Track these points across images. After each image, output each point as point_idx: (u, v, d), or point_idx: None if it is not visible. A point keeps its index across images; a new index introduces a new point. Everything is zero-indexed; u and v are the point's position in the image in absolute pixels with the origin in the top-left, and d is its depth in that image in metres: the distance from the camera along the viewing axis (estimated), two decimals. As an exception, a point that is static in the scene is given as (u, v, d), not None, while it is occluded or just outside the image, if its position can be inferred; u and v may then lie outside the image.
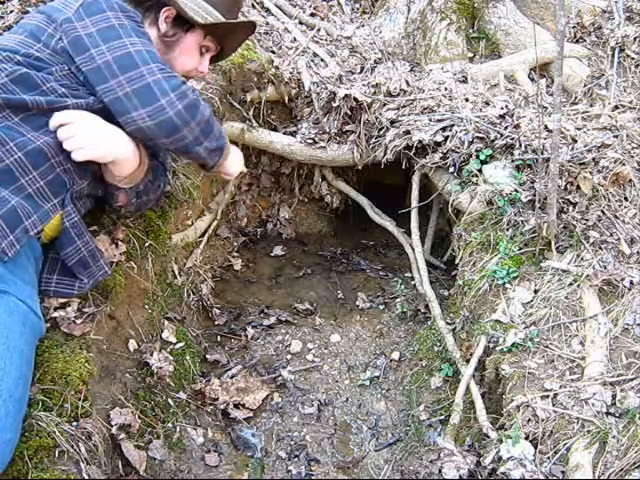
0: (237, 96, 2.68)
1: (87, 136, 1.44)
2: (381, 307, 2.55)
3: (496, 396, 1.79)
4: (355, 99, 2.66)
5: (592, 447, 1.43)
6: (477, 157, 2.28)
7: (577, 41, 3.15)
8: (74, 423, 1.40)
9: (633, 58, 2.91)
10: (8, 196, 1.33)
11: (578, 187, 2.03)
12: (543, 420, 1.53)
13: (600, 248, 1.92)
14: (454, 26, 3.20)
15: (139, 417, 1.66)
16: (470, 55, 3.20)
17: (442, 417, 1.91)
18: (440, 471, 1.62)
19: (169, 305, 2.13)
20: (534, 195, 2.02)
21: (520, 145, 2.20)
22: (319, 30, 3.24)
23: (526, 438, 1.52)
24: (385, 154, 2.60)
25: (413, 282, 2.54)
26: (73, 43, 1.46)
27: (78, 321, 1.58)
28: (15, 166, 1.36)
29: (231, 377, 2.08)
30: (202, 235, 2.58)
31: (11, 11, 2.35)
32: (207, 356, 2.18)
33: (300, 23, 3.28)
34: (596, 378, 1.58)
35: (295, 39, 3.10)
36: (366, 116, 2.67)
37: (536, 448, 1.49)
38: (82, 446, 1.37)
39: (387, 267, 2.91)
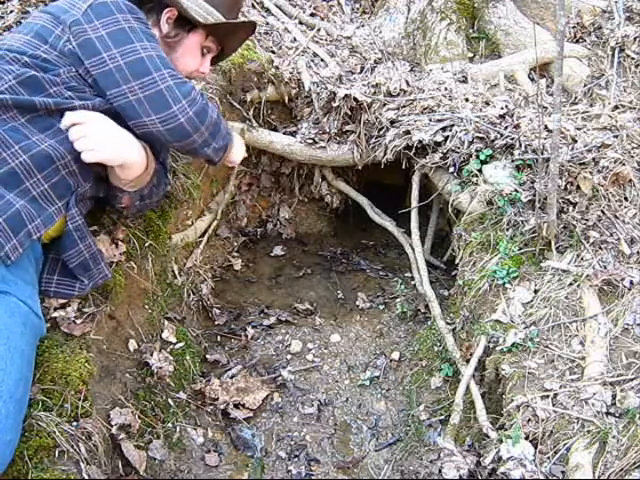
0: (237, 96, 2.68)
1: (98, 138, 1.44)
2: (381, 307, 2.55)
3: (496, 396, 1.79)
4: (355, 99, 2.66)
5: (592, 447, 1.43)
6: (477, 157, 2.28)
7: (577, 41, 3.15)
8: (74, 423, 1.40)
9: (633, 58, 2.91)
10: (13, 199, 1.33)
11: (578, 187, 2.03)
12: (543, 420, 1.53)
13: (600, 248, 1.92)
14: (454, 26, 3.20)
15: (139, 417, 1.66)
16: (470, 55, 3.20)
17: (442, 417, 1.91)
18: (440, 471, 1.62)
19: (169, 305, 2.13)
20: (534, 195, 2.02)
21: (520, 145, 2.20)
22: (319, 30, 3.24)
23: (526, 438, 1.52)
24: (385, 154, 2.60)
25: (413, 282, 2.54)
26: (83, 46, 1.46)
27: (78, 321, 1.58)
28: (20, 169, 1.36)
29: (231, 377, 2.08)
30: (202, 235, 2.58)
31: (11, 11, 2.35)
32: (207, 356, 2.18)
33: (300, 23, 3.28)
34: (596, 378, 1.58)
35: (295, 39, 3.10)
36: (366, 116, 2.67)
37: (536, 448, 1.49)
38: (82, 446, 1.37)
39: (387, 267, 2.91)
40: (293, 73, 2.81)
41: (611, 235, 1.94)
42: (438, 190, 2.49)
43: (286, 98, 2.82)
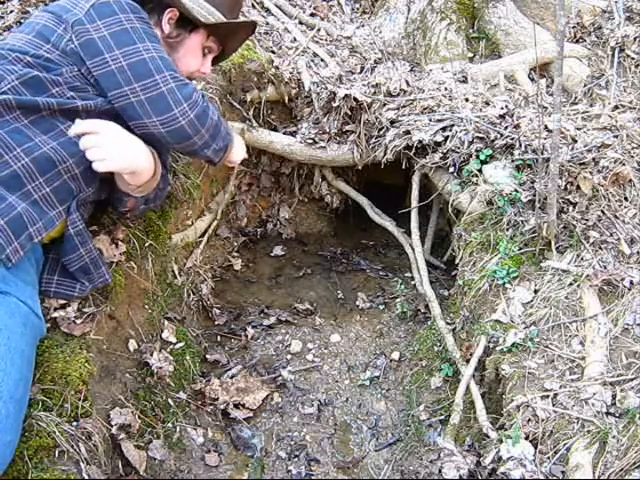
0: (237, 96, 2.68)
1: (112, 148, 1.44)
2: (381, 307, 2.55)
3: (496, 396, 1.79)
4: (355, 99, 2.66)
5: (592, 447, 1.43)
6: (477, 157, 2.28)
7: (577, 41, 3.15)
8: (74, 423, 1.40)
9: (633, 58, 2.91)
10: (15, 202, 1.33)
11: (578, 187, 2.03)
12: (543, 420, 1.53)
13: (600, 248, 1.92)
14: (454, 26, 3.20)
15: (139, 417, 1.66)
16: (470, 55, 3.20)
17: (442, 417, 1.91)
18: (440, 471, 1.62)
19: (169, 305, 2.13)
20: (534, 195, 2.02)
21: (520, 145, 2.20)
22: (319, 30, 3.24)
23: (526, 438, 1.52)
24: (385, 154, 2.60)
25: (413, 282, 2.54)
26: (85, 46, 1.45)
27: (78, 321, 1.58)
28: (22, 172, 1.36)
29: (231, 377, 2.08)
30: (202, 235, 2.58)
31: (11, 11, 2.35)
32: (207, 356, 2.18)
33: (300, 23, 3.28)
34: (596, 378, 1.58)
35: (295, 39, 3.10)
36: (366, 116, 2.67)
37: (536, 448, 1.49)
38: (82, 446, 1.37)
39: (387, 267, 2.91)
40: (293, 73, 2.81)
41: (611, 235, 1.94)
42: (438, 190, 2.49)
43: (286, 98, 2.82)
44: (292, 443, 1.91)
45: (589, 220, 1.97)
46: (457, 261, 2.29)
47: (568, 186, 2.04)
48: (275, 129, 2.85)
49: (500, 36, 3.19)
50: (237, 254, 2.85)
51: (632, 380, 1.57)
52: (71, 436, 1.36)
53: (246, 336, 2.31)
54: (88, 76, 1.48)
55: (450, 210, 2.39)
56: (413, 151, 2.49)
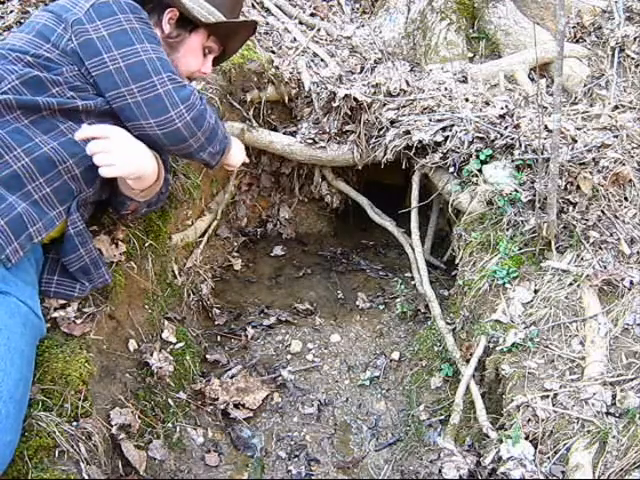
0: (237, 96, 2.68)
1: (120, 153, 1.43)
2: (381, 307, 2.55)
3: (496, 396, 1.79)
4: (355, 99, 2.66)
5: (592, 447, 1.43)
6: (477, 157, 2.28)
7: (577, 41, 3.15)
8: (74, 423, 1.40)
9: (633, 58, 2.91)
10: (15, 202, 1.33)
11: (578, 187, 2.03)
12: (543, 420, 1.53)
13: (600, 248, 1.92)
14: (454, 26, 3.20)
15: (139, 417, 1.66)
16: (470, 55, 3.20)
17: (442, 417, 1.91)
18: (440, 471, 1.62)
19: (169, 305, 2.13)
20: (534, 195, 2.02)
21: (520, 145, 2.20)
22: (319, 30, 3.24)
23: (526, 438, 1.52)
24: (385, 154, 2.60)
25: (413, 282, 2.54)
26: (84, 46, 1.45)
27: (78, 321, 1.58)
28: (22, 172, 1.36)
29: (231, 377, 2.08)
30: (202, 235, 2.58)
31: (11, 11, 2.35)
32: (207, 356, 2.18)
33: (300, 23, 3.28)
34: (596, 378, 1.58)
35: (295, 39, 3.10)
36: (366, 116, 2.67)
37: (536, 448, 1.49)
38: (82, 446, 1.37)
39: (387, 267, 2.91)
40: (293, 73, 2.81)
41: (611, 235, 1.94)
42: (438, 190, 2.49)
43: (286, 98, 2.82)
44: (292, 443, 1.91)
45: (589, 220, 1.97)
46: (457, 261, 2.29)
47: (568, 186, 2.04)
48: (275, 129, 2.85)
49: (500, 36, 3.19)
50: (237, 254, 2.85)
51: (632, 380, 1.57)
52: (71, 436, 1.36)
53: (246, 336, 2.31)
54: (88, 76, 1.48)
55: (450, 210, 2.39)
56: (413, 151, 2.49)
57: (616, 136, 2.17)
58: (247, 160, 1.94)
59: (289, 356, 2.24)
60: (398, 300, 2.51)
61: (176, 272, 2.24)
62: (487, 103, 2.55)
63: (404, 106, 2.62)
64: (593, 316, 1.76)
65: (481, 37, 3.26)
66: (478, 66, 3.00)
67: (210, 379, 2.03)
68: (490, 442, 1.62)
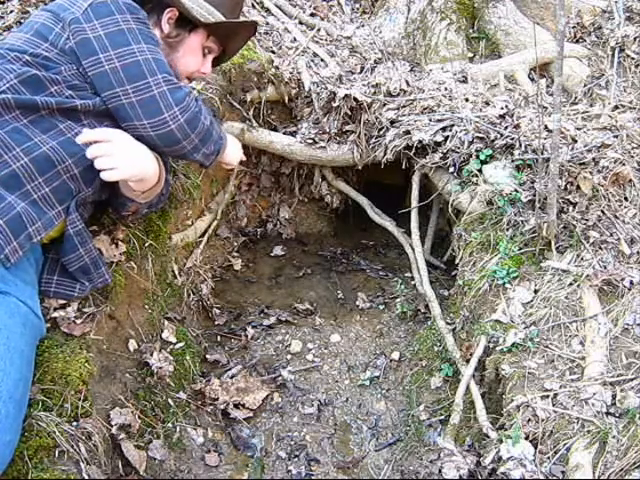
0: (237, 96, 2.68)
1: (123, 156, 1.43)
2: (381, 307, 2.55)
3: (496, 396, 1.79)
4: (355, 99, 2.66)
5: (592, 447, 1.43)
6: (477, 157, 2.28)
7: (577, 41, 3.15)
8: (74, 423, 1.40)
9: (633, 58, 2.91)
10: (14, 201, 1.33)
11: (578, 187, 2.03)
12: (543, 420, 1.53)
13: (600, 248, 1.92)
14: (454, 26, 3.20)
15: (139, 417, 1.66)
16: (470, 55, 3.19)
17: (442, 417, 1.91)
18: (440, 471, 1.62)
19: (169, 305, 2.13)
20: (534, 195, 2.02)
21: (520, 145, 2.20)
22: (319, 30, 3.24)
23: (526, 438, 1.52)
24: (385, 154, 2.60)
25: (413, 282, 2.54)
26: (81, 45, 1.45)
27: (78, 321, 1.58)
28: (21, 171, 1.36)
29: (231, 377, 2.08)
30: (202, 235, 2.58)
31: (11, 11, 2.35)
32: (207, 356, 2.18)
33: (300, 23, 3.28)
34: (596, 378, 1.58)
35: (295, 39, 3.10)
36: (366, 116, 2.67)
37: (536, 448, 1.49)
38: (82, 446, 1.37)
39: (387, 267, 2.91)
40: (293, 73, 2.81)
41: (611, 235, 1.94)
42: (438, 190, 2.49)
43: (286, 98, 2.82)
44: (292, 443, 1.91)
45: (589, 220, 1.97)
46: (457, 261, 2.29)
47: (568, 186, 2.04)
48: (275, 129, 2.85)
49: (500, 36, 3.19)
50: (237, 254, 2.85)
51: (632, 380, 1.57)
52: (71, 436, 1.36)
53: (246, 336, 2.31)
54: (85, 75, 1.48)
55: (450, 210, 2.39)
56: (413, 151, 2.49)
57: (616, 136, 2.17)
58: (244, 158, 1.94)
59: (289, 356, 2.24)
60: (398, 300, 2.51)
61: (176, 272, 2.24)
62: (487, 103, 2.55)
63: (404, 106, 2.62)
64: (593, 316, 1.76)
65: (481, 37, 3.26)
66: (478, 66, 3.00)
67: (210, 379, 2.03)
68: (490, 442, 1.61)
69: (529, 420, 1.55)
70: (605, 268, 1.87)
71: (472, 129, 2.34)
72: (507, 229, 2.09)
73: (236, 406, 1.97)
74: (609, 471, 1.38)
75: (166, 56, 1.63)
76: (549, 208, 1.86)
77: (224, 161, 1.77)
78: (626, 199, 2.04)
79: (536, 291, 1.91)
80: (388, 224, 2.80)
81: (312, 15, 3.41)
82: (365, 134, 2.69)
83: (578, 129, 2.26)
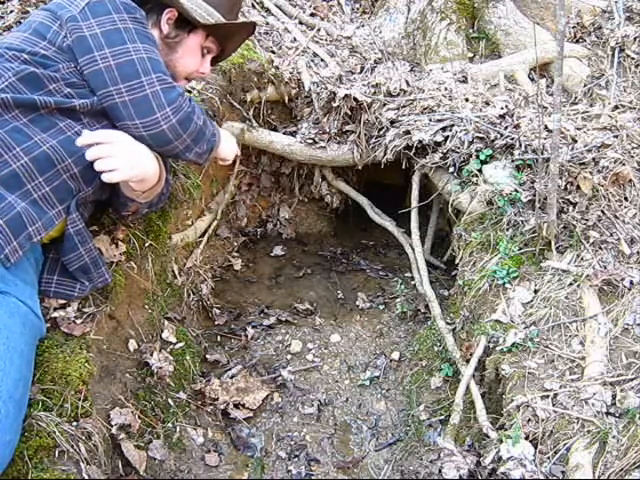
0: (237, 96, 2.68)
1: (123, 158, 1.43)
2: (381, 307, 2.55)
3: (496, 396, 1.79)
4: (355, 99, 2.66)
5: (592, 447, 1.43)
6: (477, 157, 2.28)
7: (577, 41, 3.15)
8: (74, 423, 1.40)
9: (633, 58, 2.91)
10: (14, 201, 1.33)
11: (578, 187, 2.03)
12: (543, 420, 1.53)
13: (600, 248, 1.92)
14: (454, 26, 3.20)
15: (139, 417, 1.66)
16: (470, 55, 3.20)
17: (442, 417, 1.91)
18: (440, 471, 1.62)
19: (169, 305, 2.13)
20: (534, 195, 2.02)
21: (520, 145, 2.20)
22: (319, 30, 3.24)
23: (526, 438, 1.52)
24: (385, 154, 2.60)
25: (413, 282, 2.54)
26: (77, 43, 1.46)
27: (78, 321, 1.58)
28: (21, 171, 1.36)
29: (231, 377, 2.08)
30: (202, 235, 2.58)
31: (11, 11, 2.35)
32: (207, 356, 2.18)
33: (300, 23, 3.28)
34: (596, 378, 1.58)
35: (295, 39, 3.10)
36: (366, 116, 2.67)
37: (536, 448, 1.49)
38: (82, 446, 1.37)
39: (387, 267, 2.91)
40: (293, 73, 2.81)
41: (611, 235, 1.94)
42: (438, 190, 2.49)
43: (286, 98, 2.82)
44: (292, 443, 1.91)
45: (589, 220, 1.97)
46: (457, 261, 2.29)
47: (568, 186, 2.04)
48: (275, 129, 2.85)
49: (500, 36, 3.19)
50: (237, 254, 2.85)
51: (632, 380, 1.57)
52: (71, 436, 1.36)
53: (246, 336, 2.31)
54: (82, 73, 1.48)
55: (450, 210, 2.39)
56: (413, 151, 2.49)
57: (616, 136, 2.17)
58: (239, 153, 1.93)
59: (289, 356, 2.24)
60: (398, 300, 2.51)
61: (176, 272, 2.24)
62: (487, 103, 2.55)
63: (404, 106, 2.62)
64: (593, 316, 1.75)
65: (481, 37, 3.26)
66: (478, 66, 3.01)
67: (210, 379, 2.03)
68: (490, 442, 1.61)
69: (529, 420, 1.55)
70: (605, 268, 1.87)
71: (472, 129, 2.34)
72: (507, 229, 2.09)
73: (236, 406, 1.97)
74: (609, 471, 1.38)
75: (165, 56, 1.64)
76: (549, 208, 1.86)
77: (219, 156, 1.76)
78: (626, 199, 2.04)
79: (536, 291, 1.91)
80: (388, 224, 2.80)
81: (312, 15, 3.41)
82: (365, 134, 2.69)
83: (578, 129, 2.26)
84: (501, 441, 1.53)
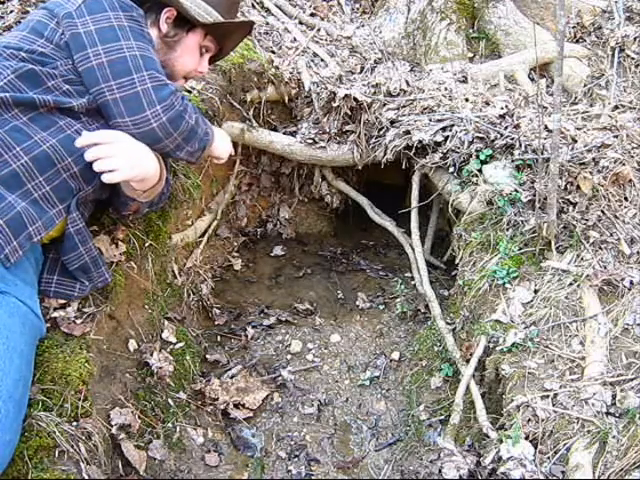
0: (237, 96, 2.68)
1: (123, 158, 1.43)
2: (381, 307, 2.55)
3: (496, 396, 1.79)
4: (355, 99, 2.66)
5: (592, 447, 1.43)
6: (477, 157, 2.28)
7: (577, 41, 3.15)
8: (74, 423, 1.40)
9: (633, 58, 2.91)
10: (14, 201, 1.33)
11: (578, 187, 2.03)
12: (543, 420, 1.53)
13: (600, 248, 1.92)
14: (454, 26, 3.20)
15: (139, 417, 1.66)
16: (470, 55, 3.20)
17: (442, 417, 1.91)
18: (440, 471, 1.62)
19: (169, 305, 2.13)
20: (534, 195, 2.02)
21: (520, 145, 2.20)
22: (319, 30, 3.24)
23: (526, 438, 1.52)
24: (385, 154, 2.60)
25: (413, 282, 2.54)
26: (72, 40, 1.46)
27: (78, 321, 1.58)
28: (22, 170, 1.36)
29: (231, 377, 2.08)
30: (202, 235, 2.58)
31: (11, 11, 2.35)
32: (207, 356, 2.18)
33: (300, 23, 3.28)
34: (596, 378, 1.58)
35: (295, 39, 3.10)
36: (366, 116, 2.67)
37: (536, 448, 1.49)
38: (82, 446, 1.37)
39: (387, 267, 2.91)
40: (293, 73, 2.81)
41: (611, 235, 1.94)
42: (438, 190, 2.49)
43: (286, 98, 2.82)
44: (292, 443, 1.91)
45: (589, 220, 1.97)
46: (457, 261, 2.29)
47: (568, 186, 2.04)
48: (275, 129, 2.85)
49: (500, 36, 3.19)
50: (237, 254, 2.85)
51: (632, 380, 1.57)
52: (71, 436, 1.36)
53: (246, 336, 2.31)
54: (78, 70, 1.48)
55: (450, 210, 2.39)
56: (413, 151, 2.49)
57: (616, 136, 2.17)
58: (234, 152, 1.93)
59: (289, 356, 2.24)
60: (398, 300, 2.51)
61: (176, 272, 2.24)
62: (487, 103, 2.55)
63: (404, 106, 2.62)
64: (593, 316, 1.75)
65: (481, 37, 3.26)
66: (478, 66, 3.01)
67: (210, 379, 2.03)
68: (490, 442, 1.61)
69: (529, 420, 1.55)
70: (605, 268, 1.87)
71: (472, 129, 2.34)
72: (507, 229, 2.09)
73: (236, 406, 1.97)
74: (609, 471, 1.38)
75: (164, 55, 1.64)
76: (549, 208, 1.86)
77: (213, 155, 1.76)
78: (626, 199, 2.04)
79: (536, 291, 1.91)
80: (388, 224, 2.80)
81: (312, 15, 3.41)
82: (365, 134, 2.69)
83: (578, 129, 2.26)
84: (501, 441, 1.53)
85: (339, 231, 3.27)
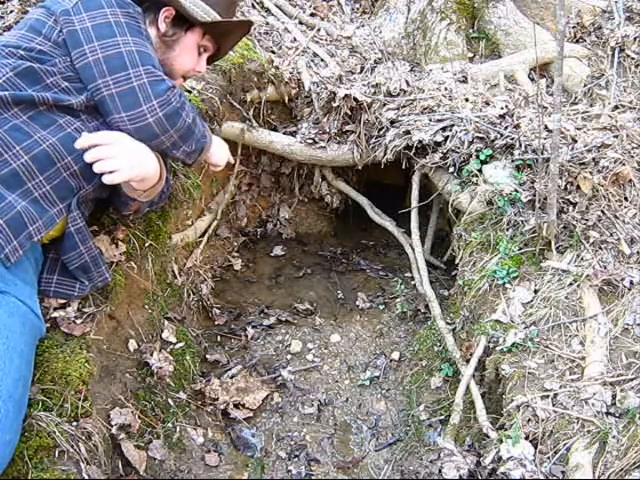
0: (237, 96, 2.68)
1: (123, 159, 1.43)
2: (381, 307, 2.55)
3: (496, 396, 1.79)
4: (355, 99, 2.66)
5: (592, 447, 1.43)
6: (477, 157, 2.28)
7: (577, 41, 3.15)
8: (74, 423, 1.40)
9: (633, 58, 2.91)
10: (14, 200, 1.33)
11: (578, 187, 2.03)
12: (543, 420, 1.53)
13: (600, 248, 1.92)
14: (454, 26, 3.20)
15: (139, 417, 1.66)
16: (470, 55, 3.20)
17: (442, 417, 1.91)
18: (440, 471, 1.62)
19: (169, 305, 2.13)
20: (534, 195, 2.02)
21: (520, 145, 2.20)
22: (319, 30, 3.24)
23: (526, 438, 1.52)
24: (385, 154, 2.60)
25: (413, 282, 2.54)
26: (69, 37, 1.46)
27: (78, 321, 1.58)
28: (22, 170, 1.36)
29: (231, 377, 2.08)
30: (202, 235, 2.58)
31: (11, 11, 2.35)
32: (207, 356, 2.18)
33: (300, 23, 3.28)
34: (596, 378, 1.58)
35: (295, 39, 3.10)
36: (366, 116, 2.67)
37: (536, 448, 1.49)
38: (82, 446, 1.37)
39: (387, 267, 2.91)
40: (293, 73, 2.81)
41: (611, 235, 1.94)
42: (438, 190, 2.49)
43: (286, 98, 2.82)
44: (292, 443, 1.91)
45: (589, 220, 1.97)
46: (457, 261, 2.29)
47: (568, 186, 2.04)
48: (275, 129, 2.85)
49: (500, 36, 3.19)
50: (237, 254, 2.85)
51: (632, 380, 1.57)
52: (71, 436, 1.36)
53: (246, 336, 2.31)
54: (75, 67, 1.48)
55: (450, 210, 2.39)
56: (413, 151, 2.49)
57: (616, 136, 2.17)
58: (232, 160, 1.92)
59: (289, 356, 2.24)
60: (398, 300, 2.51)
61: (176, 272, 2.24)
62: (487, 103, 2.55)
63: (404, 106, 2.62)
64: (593, 316, 1.75)
65: (481, 37, 3.26)
66: (478, 66, 3.01)
67: (210, 379, 2.03)
68: (490, 442, 1.61)
69: (529, 420, 1.55)
70: (605, 268, 1.87)
71: (472, 129, 2.34)
72: (507, 229, 2.09)
73: (236, 406, 1.97)
74: (609, 471, 1.38)
75: (162, 55, 1.64)
76: (549, 208, 1.86)
77: (210, 162, 1.76)
78: (626, 199, 2.04)
79: (536, 291, 1.91)
80: (388, 224, 2.80)
81: (312, 15, 3.41)
82: (365, 134, 2.69)
83: (578, 129, 2.26)
84: (501, 441, 1.53)
85: (339, 231, 3.27)
